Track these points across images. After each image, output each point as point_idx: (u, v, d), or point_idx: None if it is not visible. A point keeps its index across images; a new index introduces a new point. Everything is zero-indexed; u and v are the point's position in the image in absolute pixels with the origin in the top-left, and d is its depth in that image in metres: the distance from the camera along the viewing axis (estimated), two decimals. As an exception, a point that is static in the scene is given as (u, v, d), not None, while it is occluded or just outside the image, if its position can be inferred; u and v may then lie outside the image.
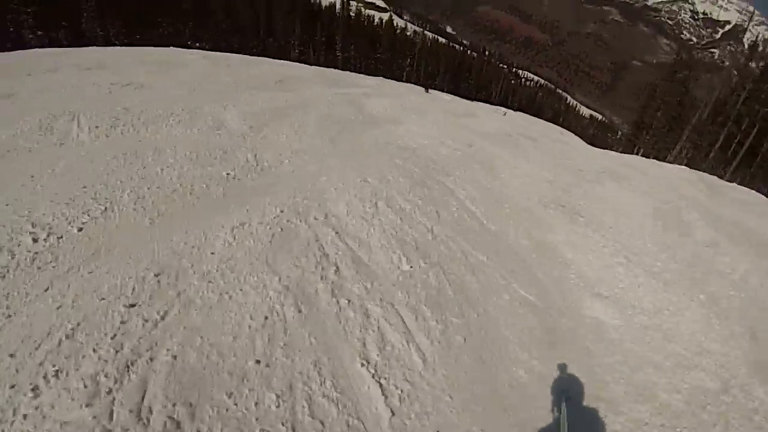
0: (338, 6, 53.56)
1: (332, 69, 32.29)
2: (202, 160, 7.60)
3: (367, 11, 62.68)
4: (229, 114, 10.47)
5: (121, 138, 8.01)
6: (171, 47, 25.86)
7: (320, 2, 55.64)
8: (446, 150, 10.93)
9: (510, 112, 54.40)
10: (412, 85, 39.69)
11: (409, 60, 56.95)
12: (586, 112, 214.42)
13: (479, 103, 60.75)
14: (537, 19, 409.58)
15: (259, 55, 28.28)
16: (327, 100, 14.42)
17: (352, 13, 54.63)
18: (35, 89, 10.00)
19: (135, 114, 9.18)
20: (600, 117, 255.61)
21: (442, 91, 47.71)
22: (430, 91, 35.93)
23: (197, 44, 41.71)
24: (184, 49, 24.48)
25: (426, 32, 62.60)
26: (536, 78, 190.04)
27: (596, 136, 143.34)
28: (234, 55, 25.55)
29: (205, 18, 44.38)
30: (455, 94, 47.73)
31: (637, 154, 36.69)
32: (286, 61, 28.40)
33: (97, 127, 8.19)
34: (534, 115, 73.62)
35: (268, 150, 8.69)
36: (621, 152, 24.94)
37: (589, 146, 23.28)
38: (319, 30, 49.13)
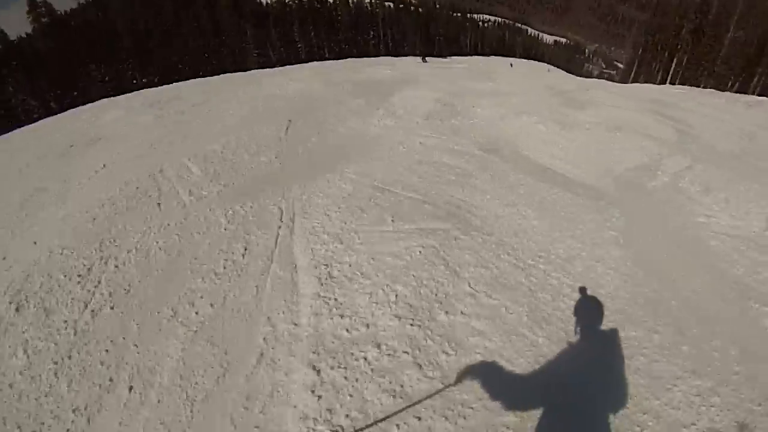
0: None
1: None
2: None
3: None
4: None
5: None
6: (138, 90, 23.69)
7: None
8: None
9: (514, 61, 53.39)
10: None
11: (372, 33, 54.30)
12: (549, 39, 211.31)
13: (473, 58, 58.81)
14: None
15: (217, 73, 25.77)
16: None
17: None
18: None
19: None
20: (564, 41, 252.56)
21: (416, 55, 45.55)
22: (426, 59, 35.19)
23: (143, 80, 38.80)
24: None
25: (383, 2, 59.23)
26: (493, 18, 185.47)
27: (571, 61, 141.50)
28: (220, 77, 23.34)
29: (146, 54, 41.38)
30: (429, 55, 45.53)
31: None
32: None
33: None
34: (507, 56, 72.04)
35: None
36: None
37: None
38: (272, 27, 46.29)
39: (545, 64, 68.44)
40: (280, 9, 49.37)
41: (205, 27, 44.59)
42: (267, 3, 52.56)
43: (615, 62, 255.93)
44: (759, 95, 27.74)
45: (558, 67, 73.49)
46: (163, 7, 44.24)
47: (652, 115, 10.59)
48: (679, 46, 42.37)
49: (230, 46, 44.75)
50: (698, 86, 33.39)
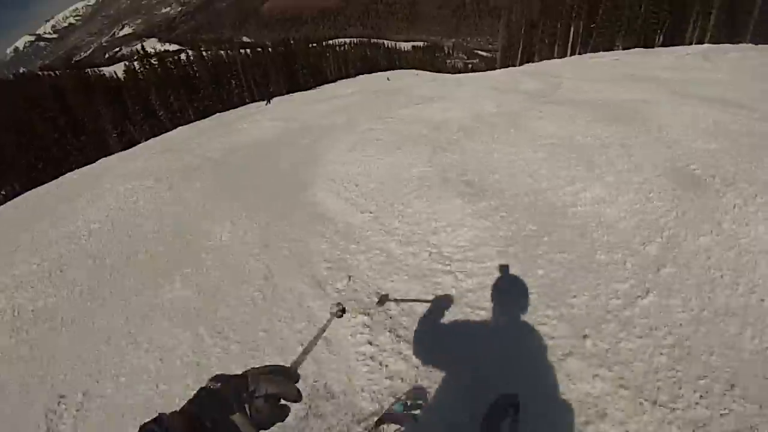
0: (137, 66, 47.33)
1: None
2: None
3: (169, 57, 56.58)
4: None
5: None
6: None
7: (115, 73, 48.96)
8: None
9: (390, 74, 54.14)
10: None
11: (234, 82, 52.79)
12: (406, 46, 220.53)
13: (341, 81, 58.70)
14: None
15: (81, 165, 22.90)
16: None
17: (154, 62, 48.57)
18: None
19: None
20: (421, 44, 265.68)
21: (282, 94, 44.78)
22: (270, 102, 32.87)
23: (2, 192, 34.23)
24: None
25: (230, 52, 57.88)
26: (348, 40, 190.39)
27: (434, 61, 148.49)
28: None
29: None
30: (295, 90, 45.08)
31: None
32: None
33: None
34: (374, 71, 73.57)
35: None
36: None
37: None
38: (127, 101, 43.25)
39: (413, 70, 70.89)
40: (132, 79, 46.21)
41: (57, 119, 40.48)
42: (114, 76, 48.60)
43: (475, 51, 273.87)
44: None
45: (423, 70, 76.99)
46: (13, 110, 39.40)
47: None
48: (573, 14, 41.25)
49: (89, 132, 41.09)
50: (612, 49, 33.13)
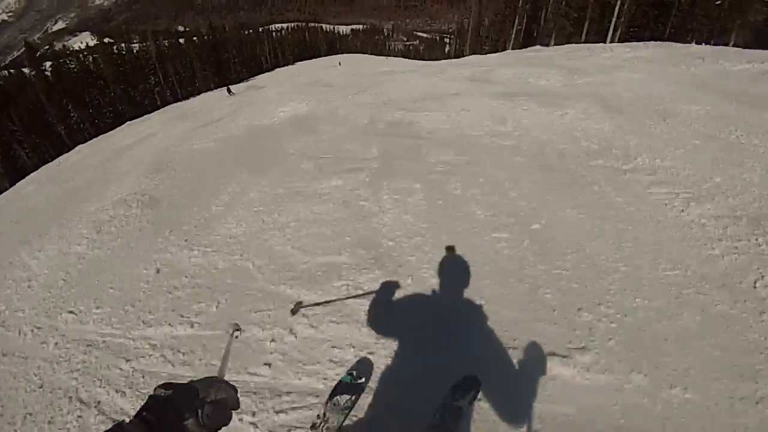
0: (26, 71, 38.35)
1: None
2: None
3: (81, 54, 47.16)
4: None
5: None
6: None
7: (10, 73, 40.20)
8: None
9: (341, 57, 54.83)
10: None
11: (152, 79, 45.36)
12: (346, 29, 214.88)
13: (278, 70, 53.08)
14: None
15: None
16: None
17: (69, 63, 39.63)
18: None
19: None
20: (361, 27, 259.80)
21: (214, 88, 38.59)
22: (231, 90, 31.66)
23: None
24: None
25: (157, 42, 49.32)
26: (286, 24, 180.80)
27: (375, 44, 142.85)
28: None
29: None
30: (224, 84, 38.76)
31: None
32: None
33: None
34: (319, 56, 69.11)
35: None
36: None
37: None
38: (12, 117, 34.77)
39: (361, 54, 70.99)
40: (18, 88, 37.34)
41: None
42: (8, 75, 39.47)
43: (415, 32, 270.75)
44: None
45: (365, 53, 75.34)
46: None
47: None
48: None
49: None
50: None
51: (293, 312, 3.26)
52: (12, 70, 41.97)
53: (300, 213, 4.87)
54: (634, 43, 17.15)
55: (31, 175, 17.19)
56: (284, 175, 6.31)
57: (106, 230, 5.82)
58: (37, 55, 42.61)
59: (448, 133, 7.26)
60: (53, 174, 14.50)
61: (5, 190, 18.11)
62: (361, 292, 3.37)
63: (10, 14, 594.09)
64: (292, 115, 10.53)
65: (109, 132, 27.16)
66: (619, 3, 29.29)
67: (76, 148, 23.73)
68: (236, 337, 1.41)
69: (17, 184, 14.82)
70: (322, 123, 9.15)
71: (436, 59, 37.73)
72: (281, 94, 15.55)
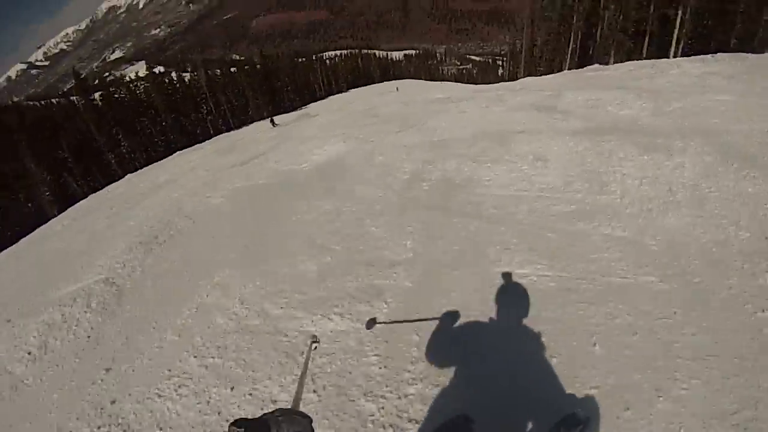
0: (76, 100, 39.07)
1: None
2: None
3: (134, 84, 48.61)
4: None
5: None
6: None
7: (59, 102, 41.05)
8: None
9: (398, 83, 54.57)
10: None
11: (204, 107, 45.86)
12: (398, 55, 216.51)
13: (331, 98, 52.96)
14: (310, 2, 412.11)
15: None
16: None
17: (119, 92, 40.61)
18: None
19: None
20: (413, 52, 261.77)
21: (265, 117, 38.28)
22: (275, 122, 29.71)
23: None
24: None
25: (207, 71, 50.10)
26: (339, 52, 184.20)
27: (429, 69, 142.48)
28: None
29: None
30: (277, 113, 38.38)
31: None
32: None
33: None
34: (373, 83, 68.87)
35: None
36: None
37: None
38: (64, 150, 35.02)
39: (413, 79, 71.21)
40: (65, 117, 36.97)
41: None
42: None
43: (467, 56, 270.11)
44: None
45: (418, 78, 74.94)
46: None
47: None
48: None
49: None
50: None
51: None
52: (61, 99, 43.37)
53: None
54: (701, 56, 15.24)
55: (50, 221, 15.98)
56: (270, 282, 4.70)
57: (51, 345, 4.36)
58: (88, 84, 43.87)
59: (524, 206, 5.13)
60: (59, 227, 12.81)
61: (53, 217, 18.05)
62: None
63: (68, 43, 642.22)
64: (326, 160, 9.19)
65: (161, 161, 27.05)
66: (680, 13, 26.87)
67: (126, 176, 23.54)
68: (315, 348, 1.53)
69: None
70: (351, 177, 7.68)
71: (490, 83, 35.81)
72: (323, 128, 14.33)
